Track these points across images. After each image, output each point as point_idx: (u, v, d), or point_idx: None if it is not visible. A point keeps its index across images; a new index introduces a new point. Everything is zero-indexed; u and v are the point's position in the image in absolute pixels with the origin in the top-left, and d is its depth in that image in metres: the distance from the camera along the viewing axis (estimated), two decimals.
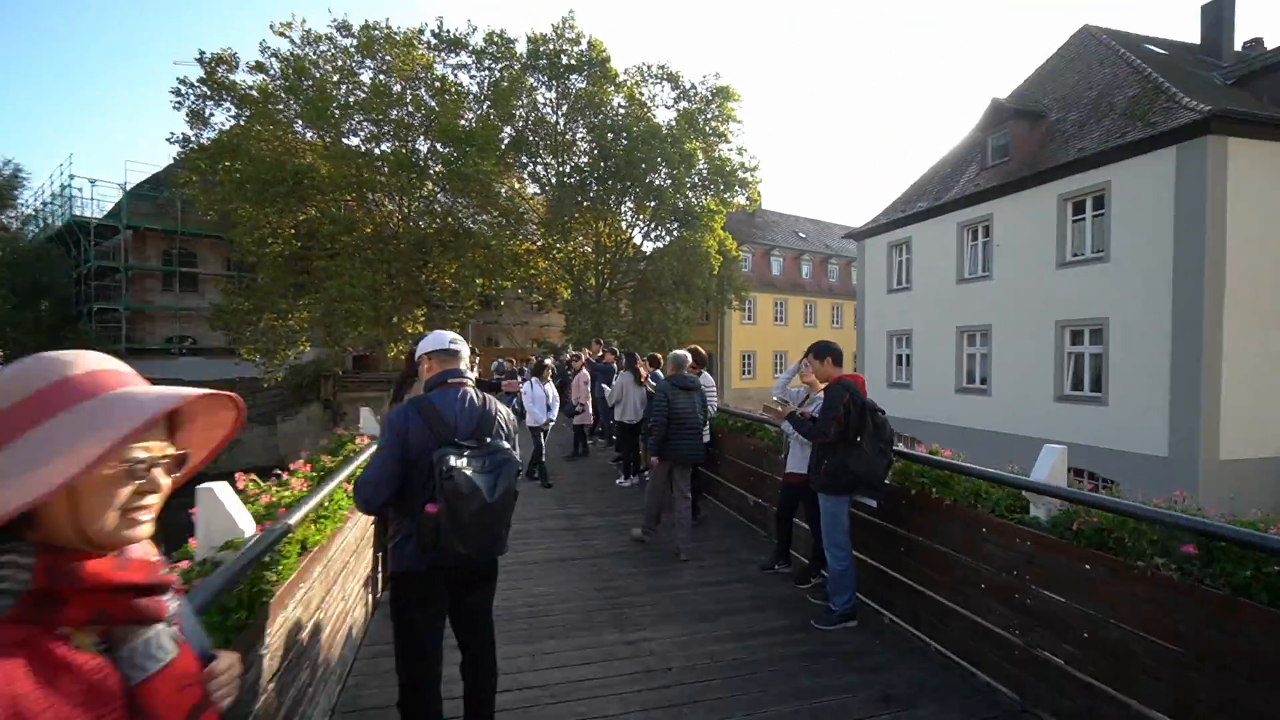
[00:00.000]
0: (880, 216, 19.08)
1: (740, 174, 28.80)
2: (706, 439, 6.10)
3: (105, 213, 26.11)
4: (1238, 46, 16.13)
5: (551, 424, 8.20)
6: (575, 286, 27.78)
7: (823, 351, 3.96)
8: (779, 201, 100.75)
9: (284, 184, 21.58)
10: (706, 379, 6.16)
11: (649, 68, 28.13)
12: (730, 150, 29.00)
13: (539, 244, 28.19)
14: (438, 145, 23.31)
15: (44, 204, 27.66)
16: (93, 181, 25.59)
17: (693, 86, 28.23)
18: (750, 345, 32.75)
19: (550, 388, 8.18)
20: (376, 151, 23.96)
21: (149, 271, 27.44)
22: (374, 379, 26.49)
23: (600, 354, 10.95)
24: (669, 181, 25.46)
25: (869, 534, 3.92)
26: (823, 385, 3.94)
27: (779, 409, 4.21)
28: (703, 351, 7.08)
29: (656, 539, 5.41)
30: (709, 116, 28.57)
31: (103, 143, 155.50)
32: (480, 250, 24.37)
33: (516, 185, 27.80)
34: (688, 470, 5.42)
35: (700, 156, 26.67)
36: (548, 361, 8.64)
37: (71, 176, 24.75)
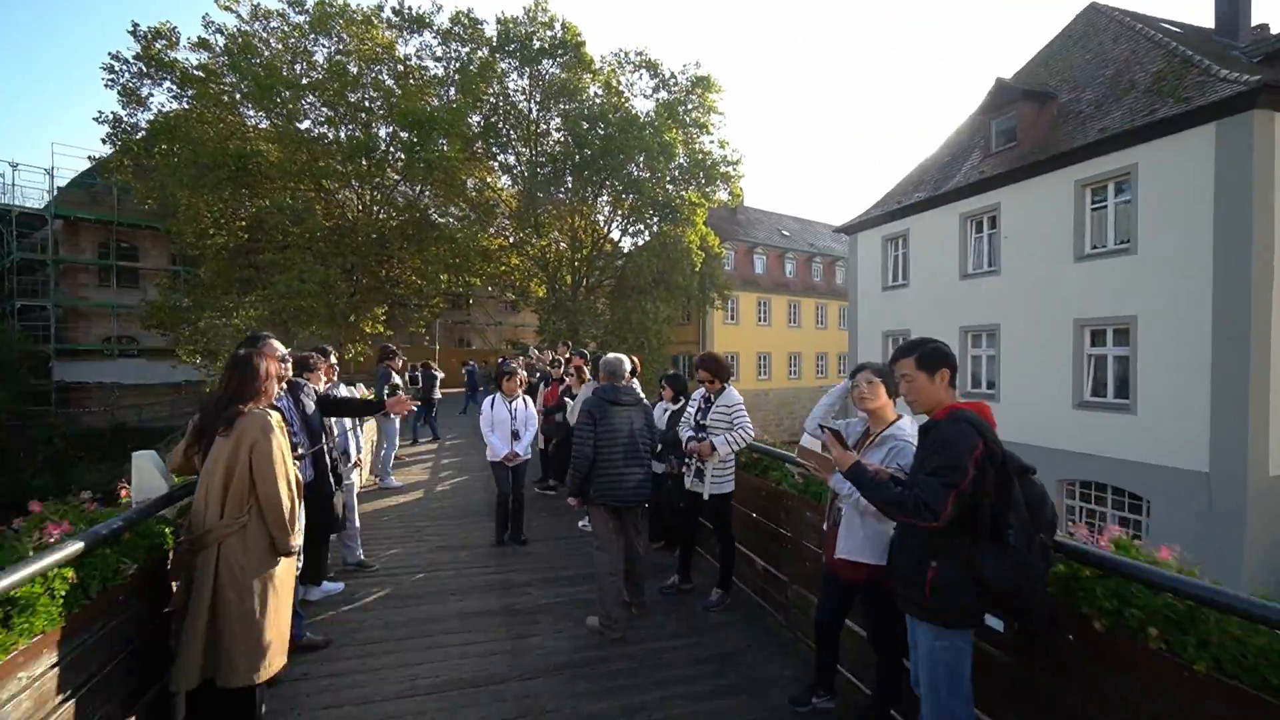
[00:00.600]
0: (874, 209, 17.70)
1: (722, 168, 27.35)
2: (659, 469, 4.72)
3: (30, 201, 23.68)
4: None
5: (525, 459, 5.69)
6: (550, 284, 26.03)
7: (929, 359, 2.18)
8: (761, 199, 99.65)
9: (226, 168, 19.49)
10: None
11: (626, 54, 26.53)
12: (711, 143, 27.51)
13: (511, 239, 26.40)
14: (399, 131, 21.35)
15: None
16: (14, 165, 23.13)
17: (672, 76, 26.70)
18: (733, 346, 31.27)
19: (521, 405, 5.71)
20: (330, 136, 21.90)
21: (82, 265, 25.05)
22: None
23: (563, 359, 8.72)
24: (648, 173, 23.86)
25: (984, 678, 2.19)
26: (919, 414, 2.27)
27: (825, 451, 2.40)
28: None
29: (620, 629, 3.72)
30: (689, 107, 27.03)
31: (27, 123, 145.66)
32: (446, 244, 22.52)
33: (487, 177, 25.95)
34: (634, 513, 3.97)
35: (680, 148, 25.12)
36: (515, 366, 5.94)
37: None
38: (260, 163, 20.25)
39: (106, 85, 21.75)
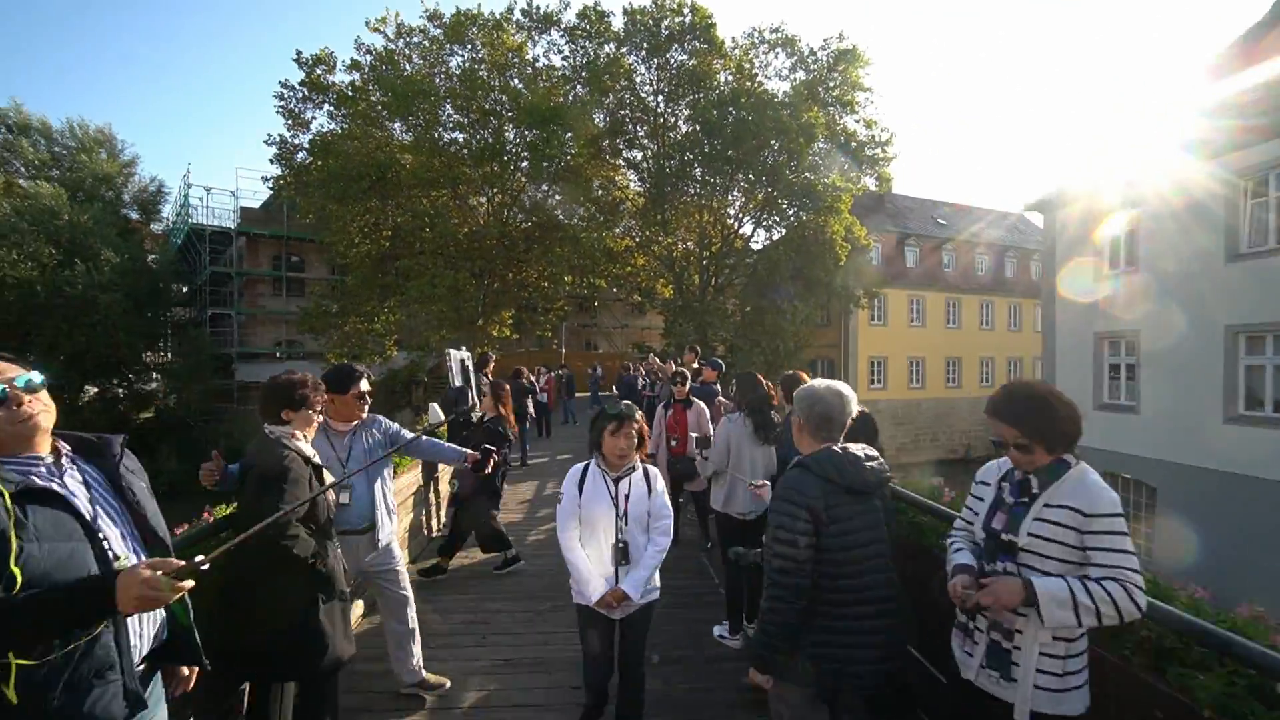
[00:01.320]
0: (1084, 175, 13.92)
1: (869, 150, 24.17)
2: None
3: (220, 221, 26.47)
4: None
5: (647, 602, 2.82)
6: (677, 285, 24.41)
7: None
8: (912, 185, 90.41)
9: (368, 179, 20.11)
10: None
11: (760, 33, 24.24)
12: (857, 123, 24.41)
13: (637, 239, 25.18)
14: (525, 131, 20.91)
15: (168, 215, 28.75)
16: (208, 189, 25.96)
17: (811, 53, 23.99)
18: (880, 349, 27.67)
19: (641, 482, 2.83)
20: (462, 140, 21.96)
21: (259, 277, 27.61)
22: None
23: (686, 368, 6.47)
24: (785, 157, 21.36)
25: None
26: None
27: None
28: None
29: None
30: (831, 85, 24.18)
31: (217, 151, 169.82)
32: (570, 245, 21.76)
33: (614, 176, 24.90)
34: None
35: (822, 130, 22.32)
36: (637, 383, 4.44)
37: (189, 185, 25.19)
38: (399, 171, 20.69)
39: (278, 112, 23.58)
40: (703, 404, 5.56)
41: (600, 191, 23.44)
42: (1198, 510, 10.78)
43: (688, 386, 5.65)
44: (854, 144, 23.77)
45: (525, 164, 22.00)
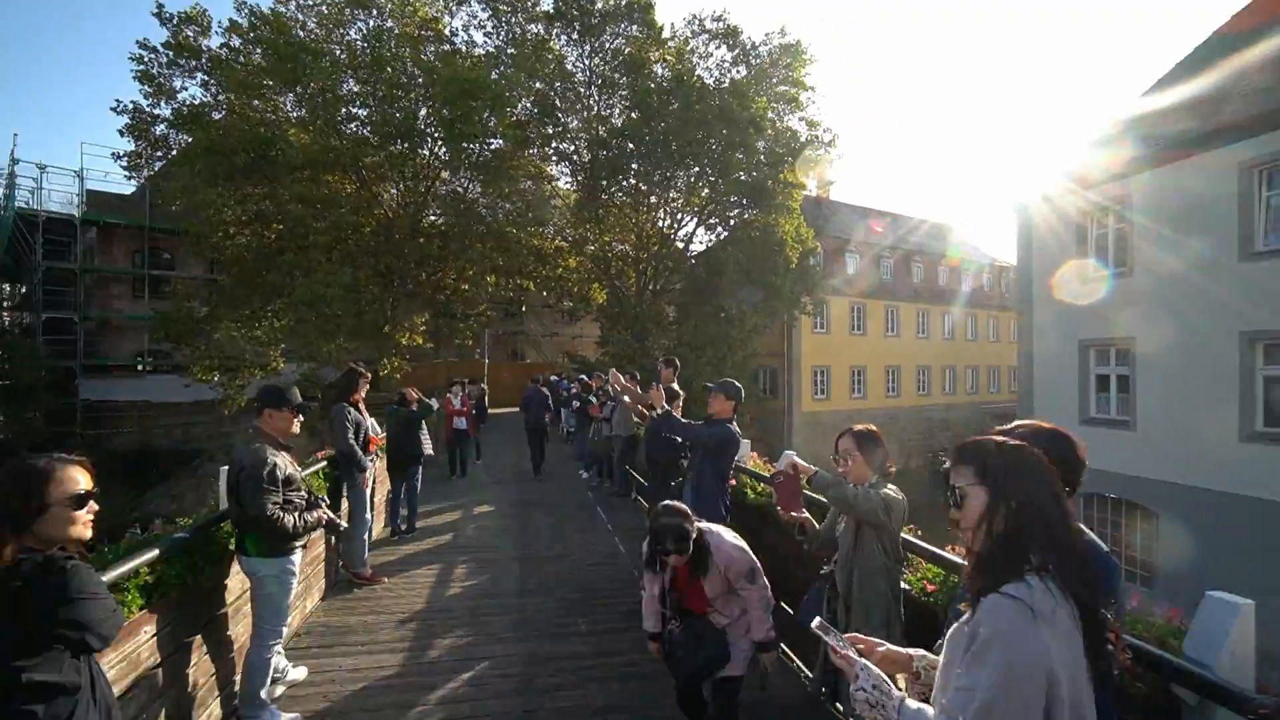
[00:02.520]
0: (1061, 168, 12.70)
1: (810, 152, 22.76)
2: None
3: (60, 207, 21.55)
4: None
5: None
6: (611, 289, 22.02)
7: None
8: (844, 192, 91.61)
9: (244, 155, 16.48)
10: None
11: (700, 21, 22.46)
12: (800, 122, 23.05)
13: (568, 239, 22.58)
14: (440, 108, 17.88)
15: None
16: (42, 167, 20.99)
17: (754, 46, 22.41)
18: (823, 359, 26.40)
19: None
20: (364, 114, 18.64)
21: (114, 275, 22.81)
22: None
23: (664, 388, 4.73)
24: (732, 148, 19.49)
25: None
26: None
27: None
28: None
29: None
30: (774, 81, 22.72)
31: (57, 121, 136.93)
32: (494, 241, 18.87)
33: (545, 169, 22.17)
34: None
35: (768, 123, 20.69)
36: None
37: (16, 161, 20.22)
38: (285, 149, 17.13)
39: (135, 77, 19.28)
40: (729, 541, 2.87)
41: (527, 184, 20.68)
42: (1210, 536, 9.46)
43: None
44: (795, 144, 22.28)
45: (441, 146, 18.97)
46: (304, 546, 3.25)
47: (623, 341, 20.60)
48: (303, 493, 3.17)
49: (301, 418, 3.21)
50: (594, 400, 10.35)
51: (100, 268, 22.36)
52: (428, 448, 6.55)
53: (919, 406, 29.49)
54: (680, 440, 4.56)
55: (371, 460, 5.19)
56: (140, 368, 23.38)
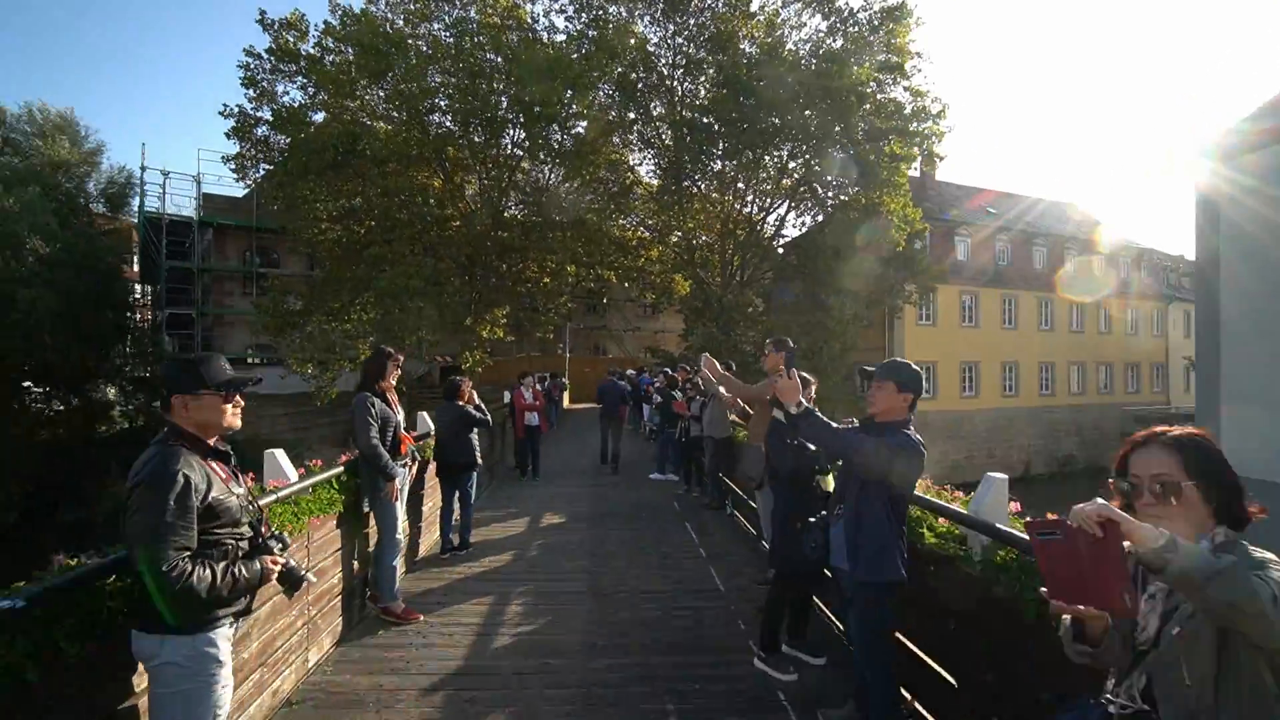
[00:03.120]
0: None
1: (917, 124, 20.11)
2: None
3: (182, 209, 22.95)
4: None
5: None
6: (695, 279, 20.55)
7: None
8: (953, 169, 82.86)
9: (332, 150, 16.48)
10: None
11: None
12: (905, 91, 20.44)
13: (651, 230, 21.31)
14: (520, 95, 17.19)
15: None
16: (165, 173, 22.40)
17: (851, 13, 20.12)
18: (930, 353, 23.62)
19: None
20: (445, 104, 18.25)
21: (227, 274, 24.07)
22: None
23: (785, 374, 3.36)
24: (831, 118, 17.47)
25: None
26: None
27: None
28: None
29: None
30: (875, 49, 20.30)
31: (179, 131, 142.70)
32: (575, 230, 17.95)
33: (629, 157, 21.06)
34: None
35: (869, 91, 18.43)
36: None
37: (143, 168, 21.68)
38: (372, 143, 17.03)
39: (242, 83, 20.02)
40: None
41: (608, 173, 19.60)
42: None
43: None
44: (900, 116, 19.78)
45: (521, 133, 18.28)
46: (243, 615, 2.08)
47: (707, 334, 19.12)
48: (242, 530, 2.02)
49: (240, 400, 2.06)
50: (678, 395, 9.03)
51: (215, 266, 23.64)
52: (479, 454, 5.47)
53: (1044, 407, 25.88)
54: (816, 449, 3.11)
55: (404, 464, 4.13)
56: (249, 360, 24.56)
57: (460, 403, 5.44)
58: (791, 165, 19.49)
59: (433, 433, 5.58)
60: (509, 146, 18.87)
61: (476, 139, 17.54)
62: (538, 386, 10.51)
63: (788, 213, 21.20)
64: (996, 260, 26.00)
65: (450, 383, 5.67)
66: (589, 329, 32.09)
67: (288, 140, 18.15)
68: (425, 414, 6.05)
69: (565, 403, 21.38)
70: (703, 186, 19.93)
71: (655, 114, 20.46)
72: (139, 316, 24.05)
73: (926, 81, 23.94)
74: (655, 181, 20.89)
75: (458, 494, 5.49)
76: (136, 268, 25.67)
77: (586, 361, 28.96)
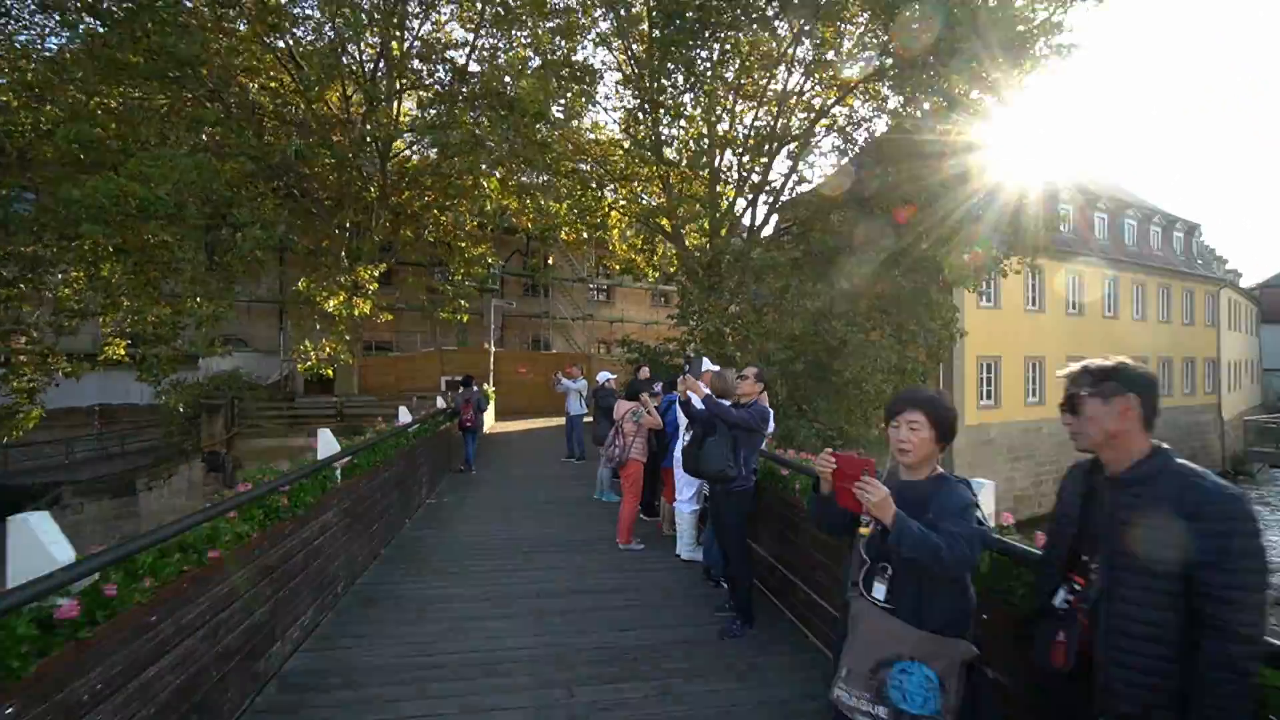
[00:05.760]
0: None
1: (1027, 21, 12.64)
2: None
3: None
4: None
5: None
6: (701, 224, 12.73)
7: None
8: None
9: None
10: None
11: None
12: None
13: (617, 128, 13.23)
14: None
15: None
16: None
17: None
18: (993, 345, 16.96)
19: None
20: None
21: None
22: (307, 413, 12.46)
23: None
24: None
25: None
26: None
27: None
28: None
29: None
30: None
31: None
32: (503, 107, 9.75)
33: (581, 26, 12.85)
34: None
35: None
36: None
37: None
38: None
39: None
40: None
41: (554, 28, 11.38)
42: None
43: None
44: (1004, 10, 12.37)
45: None
46: None
47: (720, 313, 11.35)
48: None
49: None
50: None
51: None
52: None
53: None
54: None
55: None
56: None
57: None
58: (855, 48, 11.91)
59: None
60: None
61: None
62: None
63: (852, 100, 13.32)
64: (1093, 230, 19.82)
65: None
66: (527, 316, 23.73)
67: None
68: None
69: (488, 423, 13.08)
70: (701, 62, 11.90)
71: None
72: None
73: None
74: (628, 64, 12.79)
75: None
76: None
77: (523, 358, 20.63)
